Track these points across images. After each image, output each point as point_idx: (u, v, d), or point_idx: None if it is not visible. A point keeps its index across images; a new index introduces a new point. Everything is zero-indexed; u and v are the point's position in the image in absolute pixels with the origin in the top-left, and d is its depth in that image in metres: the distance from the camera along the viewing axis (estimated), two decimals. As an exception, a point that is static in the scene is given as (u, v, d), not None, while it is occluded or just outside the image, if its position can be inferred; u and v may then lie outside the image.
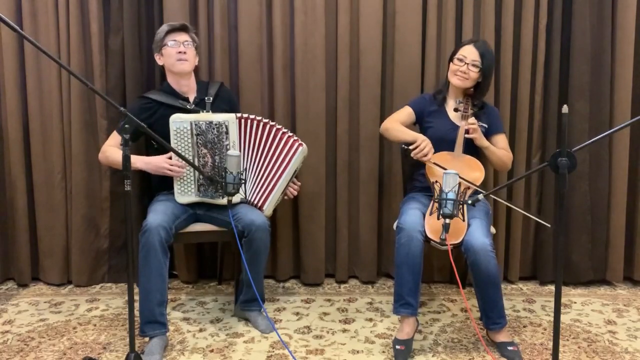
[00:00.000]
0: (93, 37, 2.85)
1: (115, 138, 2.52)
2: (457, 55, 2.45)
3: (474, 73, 2.43)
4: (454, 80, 2.46)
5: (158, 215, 2.31)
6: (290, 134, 2.50)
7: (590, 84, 2.87)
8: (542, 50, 2.87)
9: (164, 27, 2.51)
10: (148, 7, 2.88)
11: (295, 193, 2.59)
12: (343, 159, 2.98)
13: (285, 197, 2.57)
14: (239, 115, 2.43)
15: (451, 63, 2.49)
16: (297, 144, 2.48)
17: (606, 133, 1.79)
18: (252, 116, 2.47)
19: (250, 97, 2.88)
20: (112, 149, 2.50)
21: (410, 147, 2.36)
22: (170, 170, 2.39)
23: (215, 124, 2.35)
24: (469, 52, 2.43)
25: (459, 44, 2.57)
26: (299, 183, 2.60)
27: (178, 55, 2.47)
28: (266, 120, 2.48)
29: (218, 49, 2.88)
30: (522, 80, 2.89)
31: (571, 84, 2.87)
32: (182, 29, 2.51)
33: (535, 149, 2.96)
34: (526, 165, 2.95)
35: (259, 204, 2.50)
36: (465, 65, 2.42)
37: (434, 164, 2.35)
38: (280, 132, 2.49)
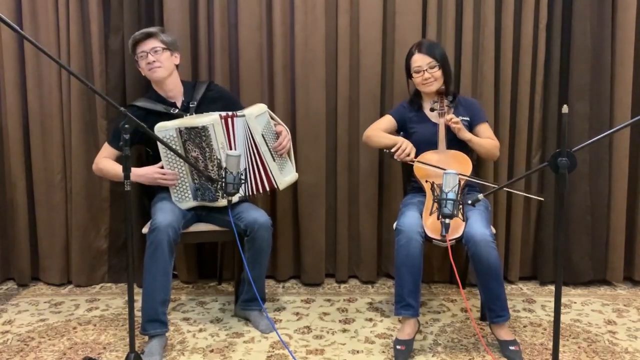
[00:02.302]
0: (93, 37, 2.85)
1: (107, 150, 2.50)
2: (413, 69, 2.50)
3: (436, 72, 2.48)
4: (426, 89, 2.52)
5: (167, 214, 2.30)
6: (233, 113, 2.38)
7: (590, 84, 2.86)
8: (542, 50, 2.87)
9: (130, 41, 2.46)
10: (148, 7, 2.87)
11: (285, 145, 2.47)
12: (343, 159, 2.98)
13: (282, 153, 2.48)
14: (223, 115, 2.36)
15: (411, 80, 2.55)
16: (234, 119, 2.37)
17: (606, 133, 1.78)
18: (231, 113, 2.39)
19: (250, 97, 2.87)
20: (105, 161, 2.48)
21: (392, 150, 2.41)
22: (163, 180, 2.38)
23: (201, 129, 2.28)
24: (420, 60, 2.48)
25: (407, 57, 2.54)
26: (280, 132, 2.49)
27: (148, 66, 2.44)
28: (234, 113, 2.40)
29: (218, 49, 2.87)
30: (522, 80, 2.89)
31: (571, 84, 2.87)
32: (147, 36, 2.43)
33: (535, 149, 2.96)
34: (526, 165, 2.95)
35: (268, 187, 2.45)
36: (424, 72, 2.47)
37: (419, 162, 2.39)
38: (235, 117, 2.38)
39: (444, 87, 2.52)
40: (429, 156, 2.43)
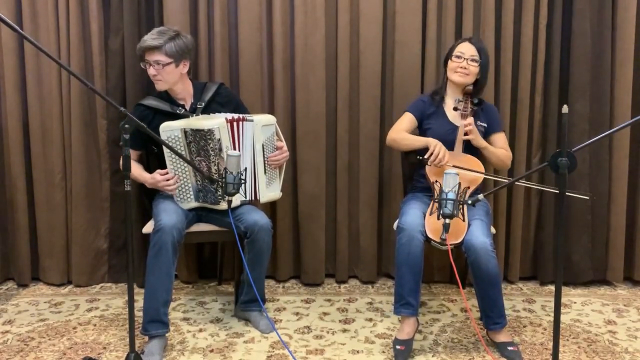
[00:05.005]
0: (93, 38, 2.85)
1: (133, 153, 2.48)
2: (455, 52, 2.45)
3: (473, 68, 2.43)
4: (455, 77, 2.45)
5: (171, 215, 2.30)
6: (243, 116, 2.41)
7: (590, 84, 2.86)
8: (542, 49, 2.87)
9: (138, 45, 2.42)
10: (148, 7, 2.87)
11: (280, 160, 2.51)
12: (343, 159, 2.98)
13: (275, 168, 2.51)
14: (229, 118, 2.36)
15: (449, 61, 2.48)
16: (243, 123, 2.39)
17: (606, 133, 1.79)
18: (240, 116, 2.40)
19: (250, 97, 2.88)
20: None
21: (426, 157, 2.34)
22: (167, 187, 2.37)
23: (206, 132, 2.27)
24: (467, 49, 2.44)
25: (454, 43, 2.55)
26: (280, 148, 2.52)
27: (151, 76, 2.43)
28: (244, 116, 2.42)
29: (218, 49, 2.87)
30: (522, 79, 2.89)
31: (571, 84, 2.87)
32: (151, 48, 2.37)
33: (535, 149, 2.96)
34: (526, 165, 2.95)
35: (254, 197, 2.47)
36: (464, 60, 2.42)
37: (454, 167, 2.30)
38: (244, 121, 2.41)
39: (471, 87, 2.44)
40: None
